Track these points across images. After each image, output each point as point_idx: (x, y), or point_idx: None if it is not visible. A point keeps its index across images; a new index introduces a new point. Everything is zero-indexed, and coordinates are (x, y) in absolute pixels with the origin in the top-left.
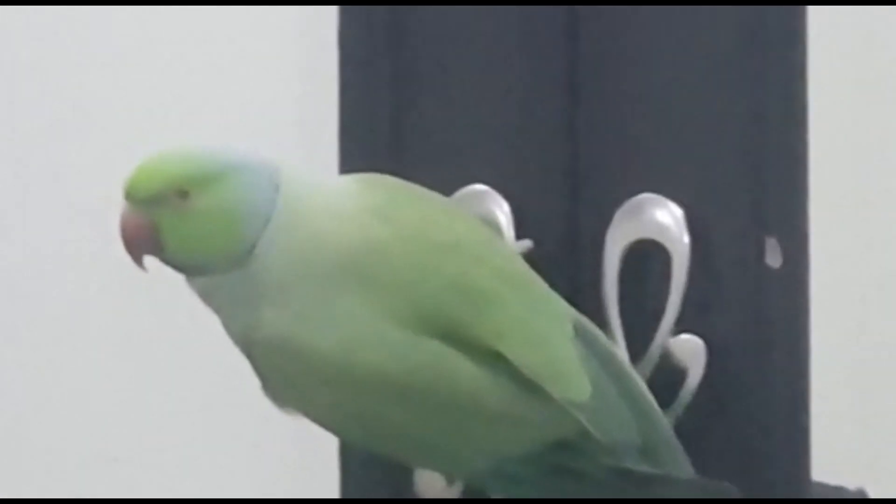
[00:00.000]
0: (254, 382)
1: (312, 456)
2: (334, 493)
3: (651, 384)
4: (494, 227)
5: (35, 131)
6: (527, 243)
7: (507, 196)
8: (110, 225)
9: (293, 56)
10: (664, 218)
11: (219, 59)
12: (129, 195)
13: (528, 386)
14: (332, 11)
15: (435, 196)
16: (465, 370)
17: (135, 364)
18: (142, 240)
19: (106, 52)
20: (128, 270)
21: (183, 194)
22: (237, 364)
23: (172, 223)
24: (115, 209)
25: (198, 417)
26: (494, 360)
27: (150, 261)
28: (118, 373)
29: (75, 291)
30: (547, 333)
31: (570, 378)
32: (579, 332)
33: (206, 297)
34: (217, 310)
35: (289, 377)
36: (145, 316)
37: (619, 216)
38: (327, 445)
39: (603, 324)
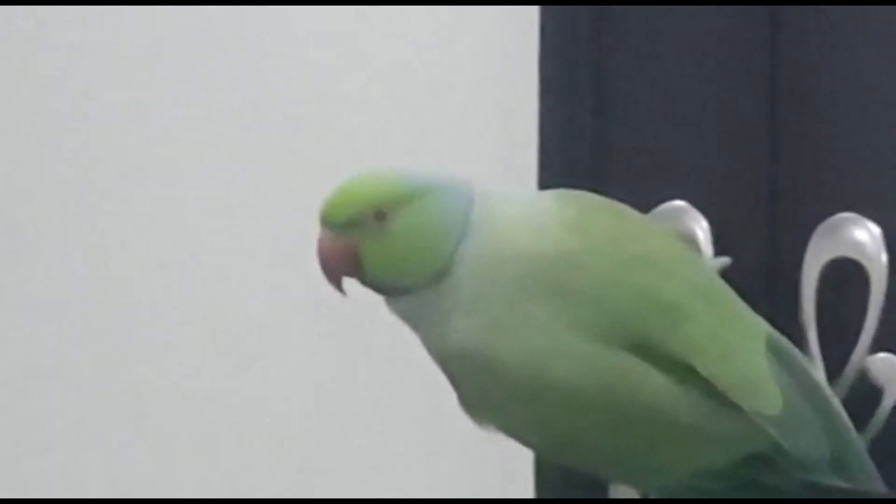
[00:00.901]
0: (451, 398)
1: (507, 470)
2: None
3: (847, 403)
4: (693, 243)
5: (232, 161)
6: (725, 260)
7: (706, 213)
8: (307, 250)
9: (493, 74)
10: (862, 237)
11: (418, 76)
12: (327, 220)
13: (720, 399)
14: (534, 28)
15: (630, 211)
16: (656, 383)
17: (336, 388)
18: (341, 263)
19: (299, 70)
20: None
21: (380, 216)
22: (436, 379)
23: (371, 245)
24: (310, 235)
25: (399, 430)
26: (686, 373)
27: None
28: (319, 401)
29: (274, 316)
30: (739, 348)
31: (762, 392)
32: (773, 348)
33: (406, 316)
34: (416, 327)
35: (483, 389)
36: (344, 337)
37: (818, 235)
38: (523, 460)
39: (800, 341)
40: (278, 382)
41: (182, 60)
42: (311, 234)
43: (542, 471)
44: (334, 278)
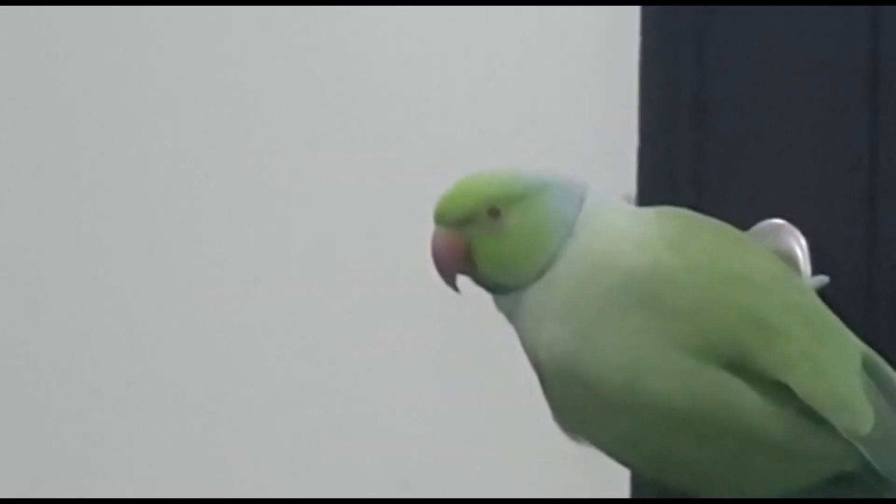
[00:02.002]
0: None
1: (603, 487)
2: None
3: None
4: (791, 261)
5: (343, 162)
6: (822, 279)
7: (805, 231)
8: (420, 247)
9: (594, 93)
10: None
11: (522, 87)
12: (441, 217)
13: (812, 417)
14: (635, 37)
15: (729, 228)
16: (749, 400)
17: (441, 385)
18: (455, 260)
19: (405, 75)
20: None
21: (494, 213)
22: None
23: (484, 242)
24: (423, 233)
25: (496, 432)
26: (778, 390)
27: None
28: (423, 393)
29: (387, 314)
30: (833, 366)
31: (854, 410)
32: (868, 367)
33: (511, 315)
34: (515, 327)
35: (571, 399)
36: (453, 339)
37: None
38: (618, 476)
39: None
40: (382, 382)
41: (294, 62)
42: (425, 233)
43: (637, 486)
44: (448, 275)
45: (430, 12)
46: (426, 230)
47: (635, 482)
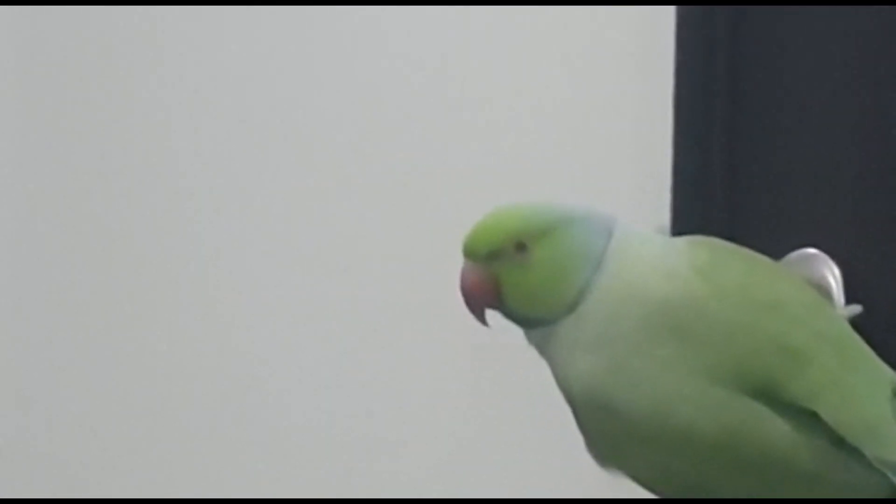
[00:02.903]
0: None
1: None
2: None
3: None
4: (824, 290)
5: (372, 192)
6: (855, 308)
7: (839, 260)
8: (450, 283)
9: (628, 122)
10: None
11: (557, 135)
12: (470, 252)
13: (842, 445)
14: (669, 73)
15: (761, 258)
16: (779, 429)
17: (467, 422)
18: (483, 295)
19: (426, 102)
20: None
21: (521, 247)
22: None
23: (512, 276)
24: (451, 268)
25: (526, 472)
26: (809, 419)
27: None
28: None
29: (414, 347)
30: (863, 394)
31: (885, 437)
32: None
33: (540, 347)
34: (548, 360)
35: (605, 430)
36: (483, 372)
37: None
38: None
39: None
40: (414, 410)
41: (321, 88)
42: (453, 267)
43: None
44: (477, 309)
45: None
46: (458, 259)
47: None
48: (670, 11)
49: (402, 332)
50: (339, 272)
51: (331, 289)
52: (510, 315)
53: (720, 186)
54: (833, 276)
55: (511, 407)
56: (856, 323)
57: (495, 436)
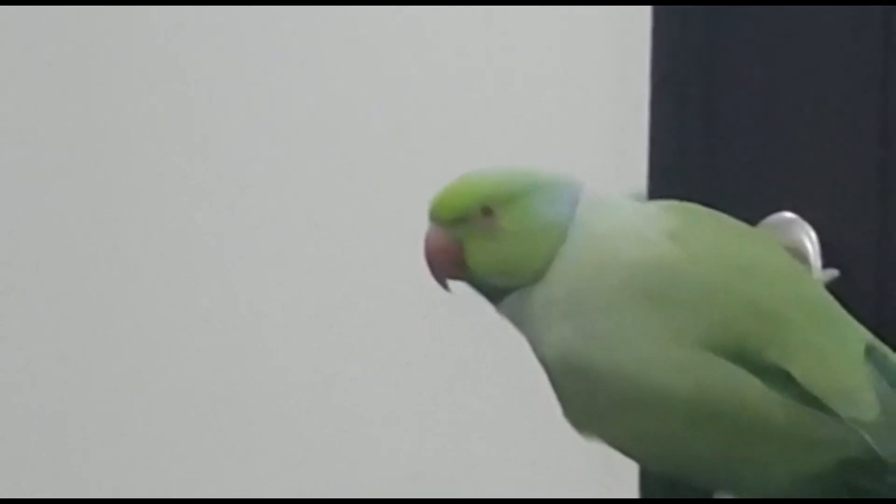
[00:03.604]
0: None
1: (610, 482)
2: None
3: None
4: (801, 255)
5: (339, 158)
6: (832, 272)
7: (815, 224)
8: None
9: (603, 88)
10: None
11: (529, 85)
12: (435, 216)
13: (816, 405)
14: (646, 35)
15: (734, 221)
16: (754, 390)
17: (429, 381)
18: (447, 259)
19: (406, 70)
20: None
21: (488, 212)
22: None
23: (477, 242)
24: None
25: (504, 432)
26: (783, 380)
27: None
28: (412, 390)
29: (378, 314)
30: (837, 355)
31: (858, 398)
32: (872, 356)
33: (514, 318)
34: (520, 328)
35: (581, 397)
36: (441, 336)
37: None
38: (626, 470)
39: None
40: (385, 380)
41: (294, 58)
42: (420, 232)
43: (646, 483)
44: (440, 274)
45: (436, 12)
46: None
47: (644, 481)
48: None
49: (374, 298)
50: (308, 240)
51: (300, 255)
52: (475, 284)
53: (696, 150)
54: (810, 240)
55: (487, 376)
56: (832, 287)
57: (470, 406)
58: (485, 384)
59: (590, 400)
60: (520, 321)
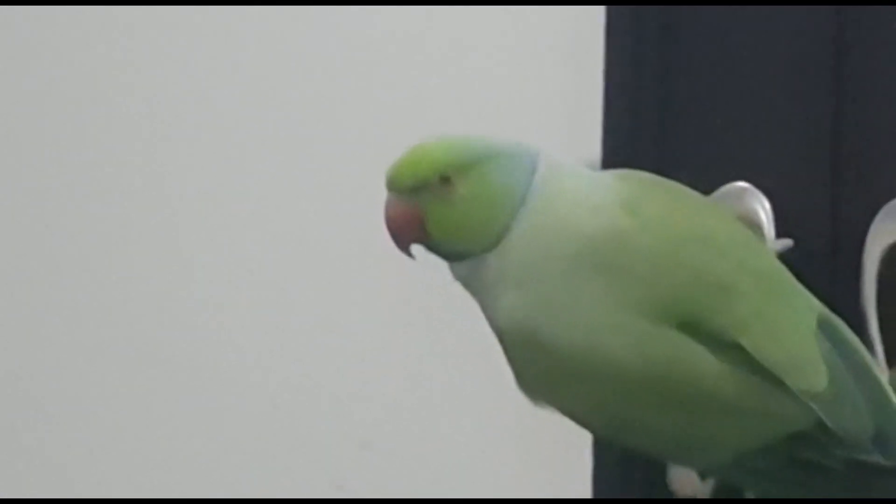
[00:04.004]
0: (510, 377)
1: (564, 453)
2: (587, 491)
3: None
4: (755, 224)
5: (295, 126)
6: (786, 242)
7: (769, 194)
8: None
9: (558, 53)
10: None
11: (485, 60)
12: (393, 184)
13: (767, 377)
14: (601, 4)
15: (688, 191)
16: (704, 361)
17: (391, 352)
18: (408, 228)
19: (370, 50)
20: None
21: (445, 180)
22: (489, 355)
23: (436, 209)
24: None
25: (452, 408)
26: (734, 351)
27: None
28: (372, 359)
29: (340, 284)
30: (787, 326)
31: (808, 370)
32: (824, 327)
33: (466, 283)
34: (473, 294)
35: (536, 367)
36: (408, 305)
37: (880, 217)
38: (580, 441)
39: (860, 324)
40: (332, 349)
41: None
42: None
43: (600, 454)
44: (401, 242)
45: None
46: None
47: (598, 450)
48: None
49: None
50: (264, 206)
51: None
52: (434, 249)
53: (651, 120)
54: (763, 209)
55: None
56: (785, 257)
57: (424, 371)
58: (434, 349)
59: (542, 369)
60: (474, 288)
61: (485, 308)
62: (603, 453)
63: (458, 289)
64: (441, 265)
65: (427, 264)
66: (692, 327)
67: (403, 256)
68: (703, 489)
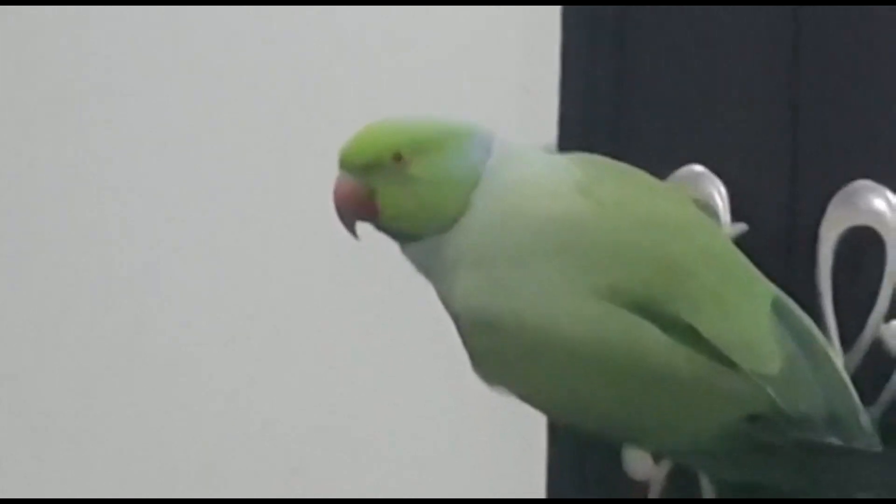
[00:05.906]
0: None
1: (519, 436)
2: (541, 474)
3: (862, 371)
4: (710, 209)
5: (255, 112)
6: (741, 226)
7: (724, 178)
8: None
9: (514, 38)
10: (880, 205)
11: (442, 53)
12: (345, 162)
13: (721, 359)
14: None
15: (643, 175)
16: (659, 343)
17: (352, 339)
18: (357, 206)
19: (335, 46)
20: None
21: (398, 159)
22: (443, 339)
23: (388, 188)
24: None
25: (409, 398)
26: (688, 333)
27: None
28: (335, 347)
29: (290, 266)
30: (741, 309)
31: (761, 352)
32: (777, 309)
33: (418, 264)
34: (428, 277)
35: (492, 350)
36: (361, 288)
37: (835, 202)
38: (535, 425)
39: (815, 308)
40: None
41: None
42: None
43: (554, 438)
44: (349, 221)
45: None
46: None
47: (553, 436)
48: None
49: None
50: (218, 190)
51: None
52: (385, 229)
53: (606, 103)
54: (719, 193)
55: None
56: (741, 241)
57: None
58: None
59: (497, 352)
60: (428, 270)
61: (440, 290)
62: (558, 439)
63: (413, 278)
64: (394, 250)
65: (381, 254)
66: (647, 309)
67: (358, 246)
68: (657, 473)
